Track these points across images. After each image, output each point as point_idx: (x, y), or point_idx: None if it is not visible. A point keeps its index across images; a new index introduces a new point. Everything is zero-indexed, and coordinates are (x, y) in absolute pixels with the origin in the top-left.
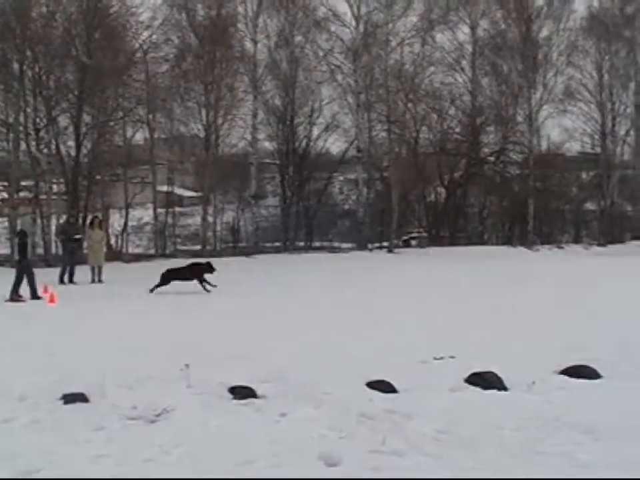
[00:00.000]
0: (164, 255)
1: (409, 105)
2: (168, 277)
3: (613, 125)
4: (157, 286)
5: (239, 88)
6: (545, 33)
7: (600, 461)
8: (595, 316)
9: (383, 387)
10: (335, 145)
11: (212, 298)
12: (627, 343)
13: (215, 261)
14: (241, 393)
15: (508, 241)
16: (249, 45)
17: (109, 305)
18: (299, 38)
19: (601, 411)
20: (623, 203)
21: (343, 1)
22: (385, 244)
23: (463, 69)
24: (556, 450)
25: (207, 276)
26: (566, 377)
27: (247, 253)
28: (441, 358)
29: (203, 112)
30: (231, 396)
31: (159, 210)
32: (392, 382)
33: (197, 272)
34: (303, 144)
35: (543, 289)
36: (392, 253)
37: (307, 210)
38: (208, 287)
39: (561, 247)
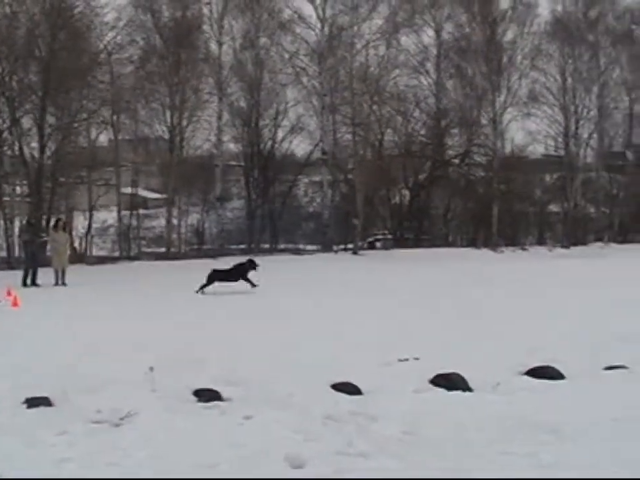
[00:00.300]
0: (128, 258)
1: (374, 107)
2: (213, 277)
3: (577, 128)
4: (204, 286)
5: (203, 90)
6: (509, 36)
7: (564, 462)
8: (557, 317)
9: (347, 388)
10: (299, 147)
11: (176, 300)
12: (588, 344)
13: (179, 263)
14: (206, 395)
15: (472, 243)
16: (214, 46)
17: (73, 307)
18: (264, 40)
19: (565, 411)
20: (586, 205)
21: (308, 3)
22: (350, 246)
23: (427, 72)
24: (521, 450)
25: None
26: (530, 378)
27: (211, 255)
28: (406, 359)
29: (168, 113)
30: (195, 399)
31: (123, 212)
32: (357, 384)
33: (241, 272)
34: (268, 146)
35: (505, 290)
36: (357, 254)
37: (271, 212)
38: (251, 284)
39: (525, 249)
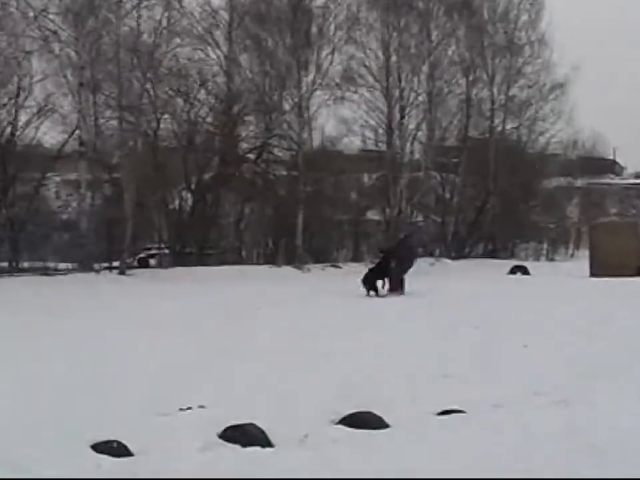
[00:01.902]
0: None
1: (147, 85)
2: (371, 277)
3: (402, 117)
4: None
5: None
6: (319, 1)
7: None
8: (373, 352)
9: (112, 449)
10: (49, 135)
11: None
12: (411, 383)
13: None
14: None
15: (271, 260)
16: None
17: None
18: None
19: (389, 469)
20: (413, 212)
21: None
22: (116, 264)
23: (216, 43)
24: None
25: None
26: (345, 427)
27: None
28: (188, 408)
29: None
30: None
31: None
32: (125, 442)
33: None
34: (7, 133)
35: (305, 321)
36: (125, 275)
37: (12, 219)
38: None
39: (338, 267)
